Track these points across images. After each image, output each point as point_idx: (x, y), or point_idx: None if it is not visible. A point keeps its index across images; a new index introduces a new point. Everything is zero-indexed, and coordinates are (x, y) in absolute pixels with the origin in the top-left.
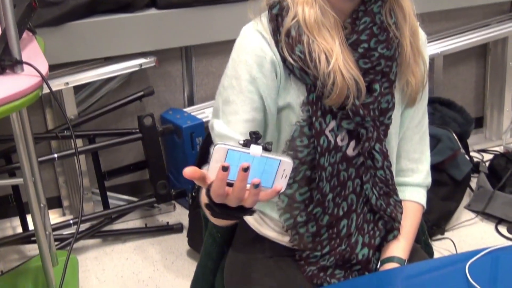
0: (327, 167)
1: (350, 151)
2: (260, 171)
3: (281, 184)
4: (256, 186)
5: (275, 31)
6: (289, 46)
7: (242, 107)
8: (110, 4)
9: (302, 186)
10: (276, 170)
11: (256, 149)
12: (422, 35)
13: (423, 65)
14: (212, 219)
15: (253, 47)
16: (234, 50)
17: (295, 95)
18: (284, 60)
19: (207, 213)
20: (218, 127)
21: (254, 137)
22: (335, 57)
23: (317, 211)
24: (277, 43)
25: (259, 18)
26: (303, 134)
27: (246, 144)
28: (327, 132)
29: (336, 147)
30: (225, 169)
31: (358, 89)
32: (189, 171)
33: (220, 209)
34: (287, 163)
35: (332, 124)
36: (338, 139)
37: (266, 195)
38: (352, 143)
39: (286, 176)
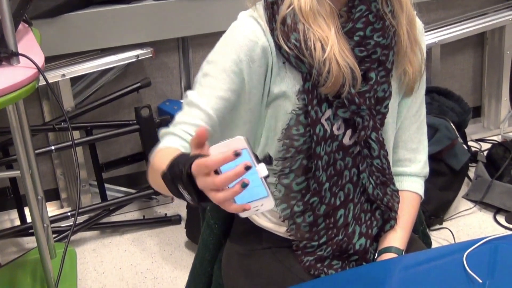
0: (323, 156)
1: (346, 140)
2: (249, 186)
3: (251, 209)
4: (243, 186)
5: (271, 19)
6: (285, 34)
7: (220, 84)
8: None
9: (299, 176)
10: (258, 198)
11: (262, 170)
12: (419, 24)
13: (420, 54)
14: (153, 179)
15: (246, 31)
16: (227, 31)
17: (290, 84)
18: (279, 48)
19: (154, 173)
20: (191, 95)
21: (268, 160)
22: (330, 45)
23: (314, 201)
24: (272, 31)
25: (255, 6)
26: (299, 122)
27: (259, 159)
28: (323, 120)
29: (332, 136)
30: (234, 155)
31: (353, 78)
32: (201, 131)
33: (181, 180)
34: (270, 202)
35: (328, 112)
36: (334, 128)
37: (231, 203)
38: (349, 132)
39: (258, 209)
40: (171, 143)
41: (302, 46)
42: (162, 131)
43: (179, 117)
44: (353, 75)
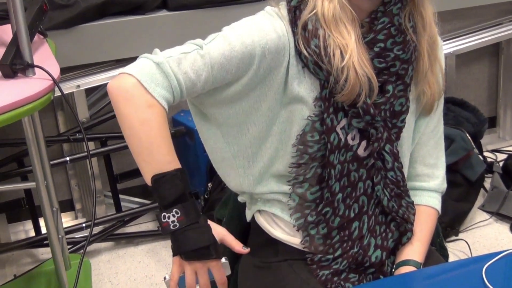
0: (337, 165)
1: (361, 151)
2: None
3: None
4: None
5: (292, 22)
6: (305, 40)
7: (233, 55)
8: (120, 6)
9: (313, 185)
10: None
11: None
12: (439, 41)
13: (441, 77)
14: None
15: (274, 22)
16: (256, 15)
17: (308, 89)
18: (299, 53)
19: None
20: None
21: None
22: (349, 52)
23: (327, 211)
24: (294, 34)
25: (278, 6)
26: (315, 129)
27: None
28: (338, 129)
29: (346, 146)
30: None
31: (370, 88)
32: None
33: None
34: None
35: (344, 122)
36: (349, 138)
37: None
38: (363, 143)
39: None
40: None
41: (321, 52)
42: (145, 55)
43: (177, 50)
44: (370, 85)
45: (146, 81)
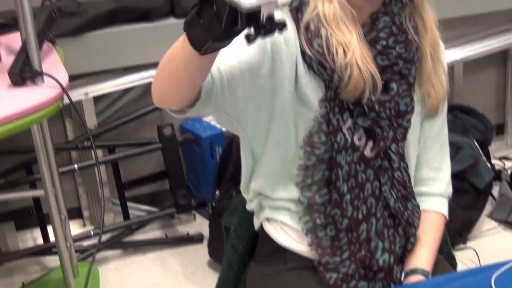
0: (344, 165)
1: (367, 152)
2: None
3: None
4: None
5: (296, 22)
6: (308, 40)
7: (246, 48)
8: (129, 13)
9: (321, 188)
10: None
11: None
12: (441, 45)
13: (445, 79)
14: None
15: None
16: None
17: (314, 91)
18: (303, 53)
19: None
20: None
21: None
22: (352, 50)
23: (335, 213)
24: (298, 33)
25: (282, 10)
26: (321, 130)
27: None
28: (344, 129)
29: (353, 146)
30: None
31: (374, 85)
32: None
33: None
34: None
35: (349, 122)
36: (355, 138)
37: None
38: (370, 144)
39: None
40: None
41: (324, 51)
42: None
43: None
44: (374, 82)
45: None
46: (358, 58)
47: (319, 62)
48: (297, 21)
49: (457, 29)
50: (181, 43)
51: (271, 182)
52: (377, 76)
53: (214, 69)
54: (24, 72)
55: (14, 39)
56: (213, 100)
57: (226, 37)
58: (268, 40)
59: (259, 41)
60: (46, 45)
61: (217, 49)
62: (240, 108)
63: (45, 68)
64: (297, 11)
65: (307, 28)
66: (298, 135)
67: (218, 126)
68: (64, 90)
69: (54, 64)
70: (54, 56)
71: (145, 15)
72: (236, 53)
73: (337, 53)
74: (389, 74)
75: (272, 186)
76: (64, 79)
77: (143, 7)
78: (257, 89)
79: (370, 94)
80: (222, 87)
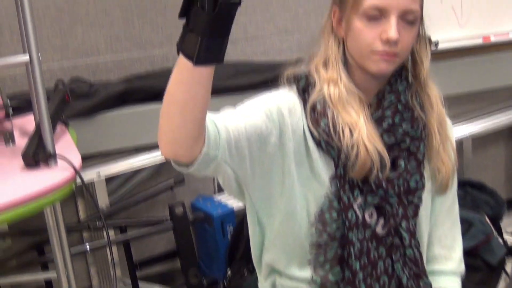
0: (356, 243)
1: (379, 229)
2: None
3: None
4: None
5: (303, 103)
6: (315, 120)
7: (256, 113)
8: (140, 93)
9: (334, 266)
10: None
11: None
12: (448, 121)
13: (453, 154)
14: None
15: (291, 95)
16: (270, 92)
17: (324, 168)
18: (311, 133)
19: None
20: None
21: None
22: (358, 129)
23: None
24: (305, 111)
25: (290, 88)
26: (332, 207)
27: None
28: (355, 207)
29: (364, 223)
30: None
31: (382, 163)
32: None
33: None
34: None
35: (360, 199)
36: (366, 215)
37: None
38: (381, 221)
39: None
40: None
41: (331, 131)
42: None
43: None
44: (382, 160)
45: None
46: (364, 138)
47: (327, 142)
48: (304, 101)
49: (465, 104)
50: (176, 66)
51: (284, 254)
52: (385, 154)
53: (220, 124)
54: (37, 155)
55: (28, 121)
56: (221, 152)
57: (211, 26)
58: (274, 109)
59: (264, 109)
60: (59, 127)
61: (208, 49)
62: (247, 170)
63: (58, 150)
64: (304, 92)
65: (313, 108)
66: (310, 210)
67: (229, 204)
68: (77, 172)
69: (67, 146)
70: (67, 138)
71: (156, 95)
72: (243, 117)
73: (343, 133)
74: (396, 152)
75: (286, 260)
76: (77, 161)
77: (154, 88)
78: (266, 156)
79: (378, 172)
80: (228, 141)
